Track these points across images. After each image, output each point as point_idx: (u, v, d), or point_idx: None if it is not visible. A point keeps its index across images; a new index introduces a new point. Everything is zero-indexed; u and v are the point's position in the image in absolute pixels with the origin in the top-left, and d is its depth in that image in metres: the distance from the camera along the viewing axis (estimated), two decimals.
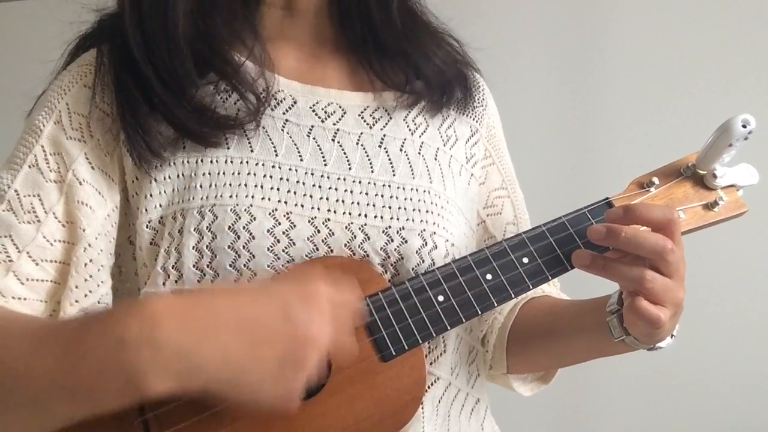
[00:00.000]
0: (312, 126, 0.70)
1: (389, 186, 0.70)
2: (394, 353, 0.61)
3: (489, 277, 0.65)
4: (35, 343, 0.51)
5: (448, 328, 0.63)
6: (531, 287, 0.65)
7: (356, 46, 0.76)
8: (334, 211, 0.67)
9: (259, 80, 0.69)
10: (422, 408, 0.67)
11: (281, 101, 0.71)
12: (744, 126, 0.65)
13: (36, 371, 0.49)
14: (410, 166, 0.72)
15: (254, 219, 0.64)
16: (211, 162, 0.66)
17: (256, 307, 0.51)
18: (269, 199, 0.66)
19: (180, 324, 0.48)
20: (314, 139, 0.70)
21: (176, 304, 0.49)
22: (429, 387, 0.69)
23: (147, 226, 0.66)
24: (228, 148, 0.67)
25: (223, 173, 0.66)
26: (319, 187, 0.68)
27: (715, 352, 1.63)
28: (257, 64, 0.69)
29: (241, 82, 0.67)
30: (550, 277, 0.66)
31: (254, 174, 0.66)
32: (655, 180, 0.70)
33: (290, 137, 0.69)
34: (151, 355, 0.47)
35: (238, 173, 0.66)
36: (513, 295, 0.65)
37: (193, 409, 0.56)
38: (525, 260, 0.66)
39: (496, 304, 0.64)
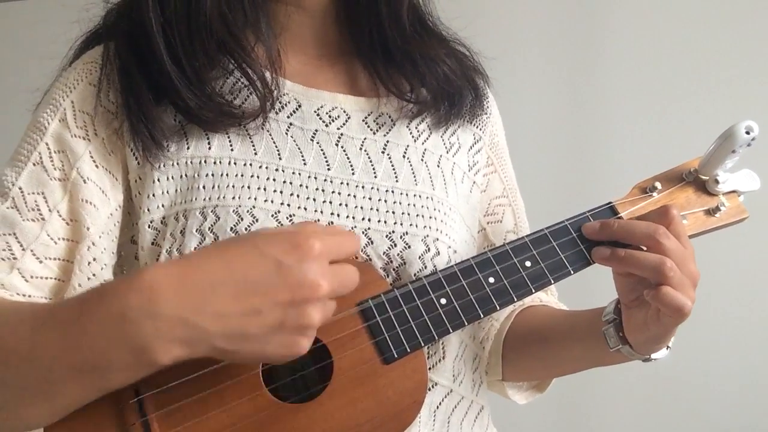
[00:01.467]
0: (316, 130, 0.70)
1: (392, 192, 0.70)
2: (396, 356, 0.61)
3: (491, 280, 0.65)
4: (36, 323, 0.51)
5: (451, 330, 0.63)
6: (533, 291, 0.65)
7: (362, 50, 0.76)
8: (338, 215, 0.67)
9: (267, 74, 0.68)
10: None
11: (286, 105, 0.71)
12: (747, 132, 0.66)
13: (39, 351, 0.49)
14: (413, 173, 0.72)
15: (256, 220, 0.64)
16: (215, 163, 0.66)
17: (249, 267, 0.49)
18: (272, 202, 0.65)
19: (177, 292, 0.48)
20: (318, 143, 0.70)
21: (171, 272, 0.49)
22: (427, 392, 0.69)
23: (149, 226, 0.66)
24: (232, 150, 0.67)
25: (227, 174, 0.66)
26: (322, 191, 0.68)
27: (714, 355, 1.63)
28: (269, 59, 0.69)
29: (253, 69, 0.67)
30: (552, 281, 0.66)
31: (257, 176, 0.66)
32: (658, 185, 0.70)
33: (294, 141, 0.69)
34: (153, 326, 0.47)
35: (242, 175, 0.66)
36: (515, 299, 0.65)
37: (190, 390, 0.56)
38: (528, 264, 0.66)
39: (498, 308, 0.64)
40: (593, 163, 1.66)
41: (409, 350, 0.62)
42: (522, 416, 1.30)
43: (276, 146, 0.68)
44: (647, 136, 1.63)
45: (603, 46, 1.68)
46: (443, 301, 0.64)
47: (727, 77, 1.61)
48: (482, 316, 0.64)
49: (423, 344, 0.62)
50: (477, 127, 0.81)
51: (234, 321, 0.48)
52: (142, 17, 0.64)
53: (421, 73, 0.75)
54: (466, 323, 0.63)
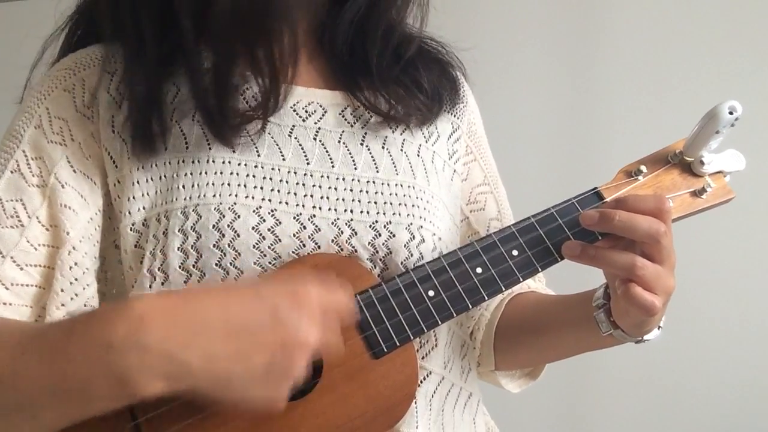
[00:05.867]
0: (293, 126, 0.70)
1: (373, 182, 0.69)
2: (385, 350, 0.61)
3: (479, 270, 0.65)
4: (19, 348, 0.51)
5: (440, 323, 0.63)
6: (521, 279, 0.65)
7: (337, 55, 0.75)
8: (320, 208, 0.67)
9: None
10: (415, 402, 0.67)
11: None
12: (731, 113, 0.65)
13: (21, 378, 0.49)
14: (393, 163, 0.71)
15: (239, 217, 0.64)
16: (193, 162, 0.66)
17: (244, 310, 0.50)
18: (253, 197, 0.65)
19: (167, 326, 0.47)
20: (296, 138, 0.69)
21: (163, 305, 0.49)
22: (422, 381, 0.69)
23: (131, 229, 0.65)
24: (210, 149, 0.67)
25: (206, 173, 0.65)
26: (303, 185, 0.67)
27: (713, 351, 1.62)
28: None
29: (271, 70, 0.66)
30: (540, 269, 0.66)
31: (237, 174, 0.66)
32: (643, 168, 0.70)
33: (271, 137, 0.69)
34: (138, 358, 0.46)
35: (221, 173, 0.66)
36: (503, 288, 0.65)
37: (185, 412, 0.56)
38: (515, 253, 0.66)
39: (486, 298, 0.64)
40: (578, 149, 1.66)
41: (398, 344, 0.62)
42: (516, 405, 1.31)
43: (254, 143, 0.68)
44: (633, 121, 1.62)
45: (593, 34, 1.67)
46: (431, 293, 0.63)
47: (711, 59, 1.61)
48: (471, 306, 0.64)
49: (412, 337, 0.62)
50: (454, 116, 0.81)
51: (221, 364, 0.48)
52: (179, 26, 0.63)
53: (398, 96, 0.74)
54: (454, 314, 0.63)
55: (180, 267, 0.63)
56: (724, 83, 1.59)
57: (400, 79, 0.74)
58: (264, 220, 0.64)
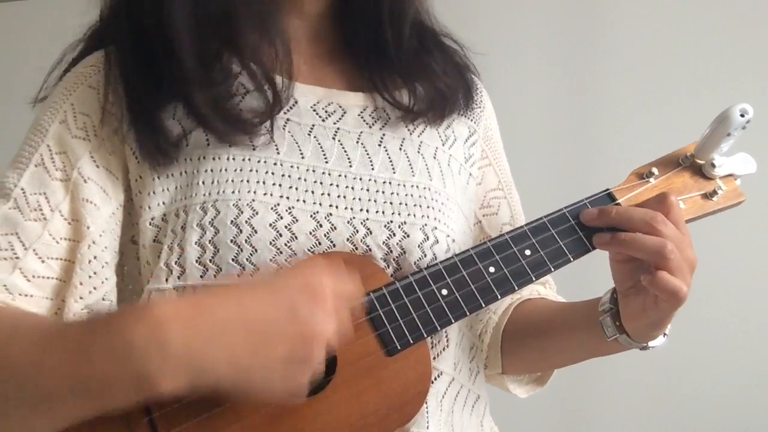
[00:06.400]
0: (313, 125, 0.71)
1: (390, 183, 0.70)
2: (399, 347, 0.61)
3: (492, 269, 0.65)
4: (42, 343, 0.51)
5: (453, 321, 0.63)
6: (534, 279, 0.66)
7: (359, 54, 0.76)
8: (336, 206, 0.67)
9: (278, 79, 0.69)
10: (426, 403, 0.67)
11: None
12: (742, 115, 0.66)
13: (43, 372, 0.50)
14: (410, 164, 0.72)
15: (256, 213, 0.64)
16: (214, 159, 0.67)
17: (262, 306, 0.52)
18: (271, 195, 0.66)
19: (187, 326, 0.49)
20: (315, 137, 0.70)
21: (182, 306, 0.50)
22: (433, 381, 0.69)
23: (150, 224, 0.66)
24: (230, 146, 0.67)
25: (225, 170, 0.66)
26: (321, 183, 0.68)
27: (715, 354, 1.61)
28: (279, 63, 0.69)
29: (261, 68, 0.68)
30: (552, 269, 0.66)
31: (256, 171, 0.67)
32: (654, 170, 0.71)
33: (291, 136, 0.70)
34: (160, 358, 0.48)
35: (240, 170, 0.66)
36: (516, 287, 0.65)
37: (201, 407, 0.56)
38: (527, 252, 0.66)
39: (499, 297, 0.65)
40: (591, 151, 1.66)
41: (411, 342, 0.62)
42: (520, 411, 1.30)
43: (274, 141, 0.69)
44: (644, 124, 1.63)
45: (598, 35, 1.68)
46: (444, 291, 0.64)
47: (723, 64, 1.61)
48: (483, 305, 0.64)
49: (425, 335, 0.62)
50: (471, 120, 0.82)
51: (244, 359, 0.50)
52: (166, 19, 0.64)
53: (418, 84, 0.75)
54: (467, 313, 0.64)
55: (197, 261, 0.63)
56: (734, 85, 1.59)
57: (420, 72, 0.76)
58: (281, 217, 0.65)
